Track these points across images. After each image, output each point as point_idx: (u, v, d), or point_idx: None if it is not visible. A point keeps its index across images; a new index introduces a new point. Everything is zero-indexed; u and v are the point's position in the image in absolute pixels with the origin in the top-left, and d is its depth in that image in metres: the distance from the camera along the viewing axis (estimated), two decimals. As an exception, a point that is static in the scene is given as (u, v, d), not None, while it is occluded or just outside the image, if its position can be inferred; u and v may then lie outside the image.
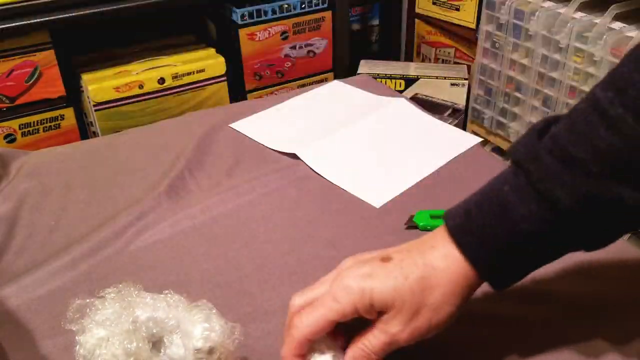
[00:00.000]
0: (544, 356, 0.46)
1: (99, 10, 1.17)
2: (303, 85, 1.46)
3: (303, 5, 1.40)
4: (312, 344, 0.41)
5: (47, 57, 1.18)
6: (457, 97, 1.49)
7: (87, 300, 0.42)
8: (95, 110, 1.23)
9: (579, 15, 1.12)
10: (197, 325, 0.41)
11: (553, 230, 0.38)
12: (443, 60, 1.65)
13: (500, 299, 0.52)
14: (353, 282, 0.40)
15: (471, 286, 0.41)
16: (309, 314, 0.40)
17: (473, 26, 1.49)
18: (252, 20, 1.35)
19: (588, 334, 0.48)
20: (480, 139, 0.79)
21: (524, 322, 0.49)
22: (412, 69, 1.53)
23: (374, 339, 0.40)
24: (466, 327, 0.49)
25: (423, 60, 1.71)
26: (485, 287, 0.53)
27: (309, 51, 1.46)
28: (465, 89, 1.48)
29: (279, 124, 0.84)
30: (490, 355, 0.47)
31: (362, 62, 1.57)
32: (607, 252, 0.56)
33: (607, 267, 0.55)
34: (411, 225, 0.62)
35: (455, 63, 1.62)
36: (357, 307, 0.39)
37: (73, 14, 1.15)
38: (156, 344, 0.43)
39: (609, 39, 1.03)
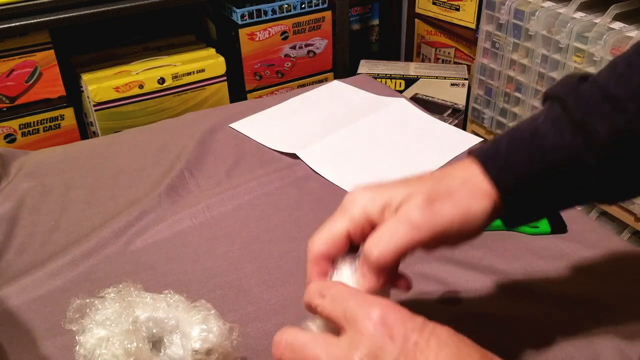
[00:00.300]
0: (544, 355, 0.46)
1: (99, 10, 1.17)
2: (303, 85, 1.46)
3: (303, 5, 1.40)
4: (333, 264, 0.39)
5: (47, 57, 1.18)
6: (457, 97, 1.49)
7: (87, 300, 0.42)
8: (95, 110, 1.23)
9: (579, 15, 1.12)
10: (195, 327, 0.41)
11: (582, 167, 0.36)
12: (443, 60, 1.65)
13: (500, 298, 0.52)
14: (360, 190, 0.38)
15: (491, 207, 0.37)
16: (317, 232, 0.39)
17: (473, 26, 1.49)
18: (252, 20, 1.36)
19: (587, 332, 0.48)
20: (481, 139, 0.79)
21: (524, 321, 0.49)
22: (412, 69, 1.53)
23: (388, 234, 0.35)
24: (464, 327, 0.49)
25: (423, 60, 1.71)
26: (485, 289, 0.53)
27: (309, 51, 1.46)
28: (465, 89, 1.48)
29: (279, 124, 0.84)
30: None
31: (362, 62, 1.57)
32: (606, 250, 0.56)
33: (606, 265, 0.55)
34: None
35: (455, 63, 1.62)
36: (367, 209, 0.37)
37: (73, 14, 1.15)
38: (156, 343, 0.43)
39: (609, 39, 1.03)
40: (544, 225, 0.59)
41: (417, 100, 1.48)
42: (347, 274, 0.38)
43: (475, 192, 0.37)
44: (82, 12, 1.16)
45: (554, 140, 0.36)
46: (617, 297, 0.51)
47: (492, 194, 0.37)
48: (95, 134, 1.29)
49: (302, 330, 0.36)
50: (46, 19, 1.13)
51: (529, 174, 0.37)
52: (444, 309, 0.51)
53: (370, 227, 0.37)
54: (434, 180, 0.38)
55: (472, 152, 0.39)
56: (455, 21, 1.54)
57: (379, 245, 0.35)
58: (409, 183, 0.38)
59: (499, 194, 0.37)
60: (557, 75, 1.17)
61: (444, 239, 0.37)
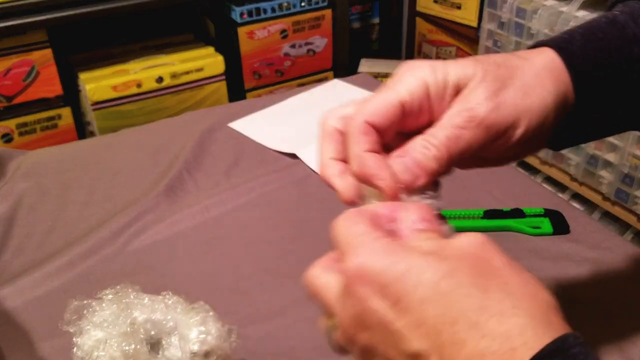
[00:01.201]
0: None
1: (96, 8, 1.16)
2: (303, 84, 1.46)
3: (303, 4, 1.40)
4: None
5: (44, 56, 1.18)
6: (457, 96, 1.49)
7: (85, 302, 0.42)
8: (93, 110, 1.23)
9: (581, 13, 1.11)
10: (193, 329, 0.41)
11: None
12: (444, 59, 1.65)
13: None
14: (417, 61, 0.32)
15: (563, 96, 0.33)
16: (362, 103, 0.33)
17: (475, 25, 1.48)
18: (251, 19, 1.35)
19: (588, 332, 0.47)
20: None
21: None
22: (412, 67, 1.53)
23: (446, 125, 0.31)
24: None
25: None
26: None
27: (308, 50, 1.46)
28: (465, 88, 1.47)
29: (279, 123, 0.84)
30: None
31: (363, 60, 1.57)
32: (608, 251, 0.56)
33: (608, 266, 0.55)
34: None
35: (455, 62, 1.61)
36: (428, 82, 0.31)
37: (70, 13, 1.14)
38: (154, 345, 0.43)
39: (610, 37, 1.03)
40: (546, 225, 0.58)
41: (417, 99, 1.47)
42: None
43: (545, 76, 0.32)
44: (79, 11, 1.15)
45: (635, 30, 0.33)
46: (618, 297, 0.51)
47: (566, 80, 0.32)
48: (92, 134, 1.28)
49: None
50: (43, 17, 1.12)
51: (607, 62, 0.33)
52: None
53: (427, 104, 0.31)
54: (500, 60, 0.32)
55: (541, 41, 0.34)
56: (456, 19, 1.53)
57: (435, 153, 0.30)
58: (472, 59, 0.32)
59: (572, 81, 0.33)
60: (558, 74, 1.16)
61: (514, 132, 0.31)
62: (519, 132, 0.32)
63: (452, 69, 0.32)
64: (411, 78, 0.31)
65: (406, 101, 0.31)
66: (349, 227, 0.29)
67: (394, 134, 0.32)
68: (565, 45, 0.33)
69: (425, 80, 0.31)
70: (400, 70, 0.32)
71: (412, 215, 0.29)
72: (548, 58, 0.33)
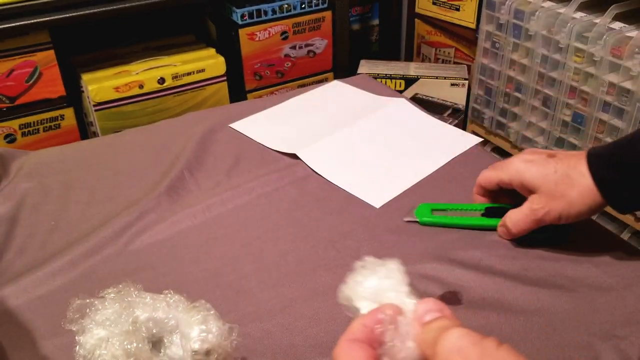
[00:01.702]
0: (545, 355, 0.46)
1: (99, 10, 1.17)
2: (303, 85, 1.46)
3: (303, 5, 1.40)
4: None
5: (47, 57, 1.18)
6: (457, 97, 1.49)
7: (87, 301, 0.42)
8: (95, 110, 1.23)
9: (579, 15, 1.12)
10: (195, 327, 0.41)
11: None
12: (443, 60, 1.65)
13: (500, 298, 0.52)
14: (517, 160, 0.55)
15: (597, 205, 0.50)
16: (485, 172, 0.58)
17: (473, 26, 1.49)
18: (252, 20, 1.35)
19: (588, 332, 0.48)
20: (480, 139, 0.79)
21: (524, 322, 0.49)
22: (412, 69, 1.53)
23: (518, 213, 0.54)
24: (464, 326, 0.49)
25: (423, 60, 1.71)
26: (485, 289, 0.53)
27: (309, 51, 1.46)
28: (465, 89, 1.48)
29: (279, 124, 0.84)
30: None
31: (362, 62, 1.57)
32: (607, 250, 0.56)
33: (607, 265, 0.55)
34: (411, 219, 0.62)
35: (455, 63, 1.62)
36: (512, 180, 0.55)
37: (73, 14, 1.15)
38: (156, 344, 0.43)
39: (609, 39, 1.03)
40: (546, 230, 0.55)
41: (417, 100, 1.48)
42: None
43: (586, 195, 0.50)
44: (82, 12, 1.15)
45: None
46: (617, 297, 0.51)
47: (596, 196, 0.50)
48: (95, 134, 1.29)
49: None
50: (46, 18, 1.13)
51: (625, 171, 0.49)
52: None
53: (511, 186, 0.55)
54: (560, 179, 0.51)
55: (588, 150, 0.52)
56: (455, 21, 1.53)
57: (513, 225, 0.56)
58: (543, 173, 0.52)
59: (600, 195, 0.50)
60: (557, 75, 1.17)
61: (558, 222, 0.53)
62: (560, 221, 0.53)
63: (529, 178, 0.53)
64: (506, 171, 0.56)
65: (499, 182, 0.57)
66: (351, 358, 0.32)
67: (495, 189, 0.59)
68: (595, 159, 0.51)
69: (511, 178, 0.55)
70: (509, 161, 0.56)
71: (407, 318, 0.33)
72: (586, 183, 0.51)
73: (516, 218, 0.55)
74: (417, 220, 0.61)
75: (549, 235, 0.56)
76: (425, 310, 0.32)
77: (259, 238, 0.62)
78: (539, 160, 0.53)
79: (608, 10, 1.06)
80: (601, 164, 0.50)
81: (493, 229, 0.59)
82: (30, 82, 1.19)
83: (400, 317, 0.33)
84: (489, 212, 0.60)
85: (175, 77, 1.28)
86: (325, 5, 1.43)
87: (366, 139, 0.79)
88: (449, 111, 1.50)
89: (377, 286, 0.36)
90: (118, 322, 0.41)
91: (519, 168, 0.54)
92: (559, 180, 0.51)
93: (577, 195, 0.50)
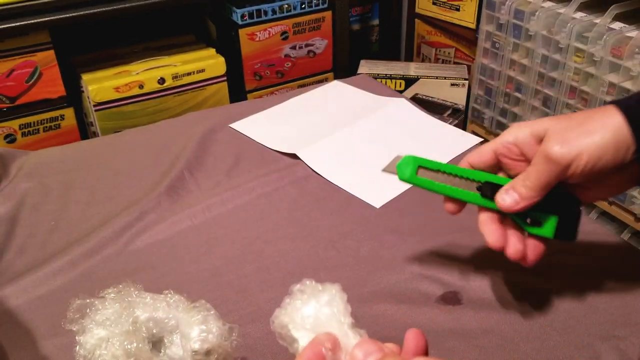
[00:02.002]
0: (545, 355, 0.46)
1: (99, 10, 1.16)
2: (303, 86, 1.46)
3: (303, 6, 1.40)
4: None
5: (47, 57, 1.18)
6: (457, 97, 1.49)
7: (87, 301, 0.42)
8: (96, 111, 1.23)
9: (579, 15, 1.12)
10: (195, 327, 0.41)
11: None
12: (443, 60, 1.65)
13: (501, 298, 0.52)
14: (514, 124, 0.47)
15: (626, 148, 0.41)
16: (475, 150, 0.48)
17: (473, 26, 1.49)
18: (252, 20, 1.35)
19: (588, 332, 0.48)
20: (481, 139, 0.79)
21: (524, 322, 0.49)
22: (412, 69, 1.53)
23: (531, 167, 0.43)
24: (464, 326, 0.49)
25: (423, 60, 1.71)
26: (485, 289, 0.53)
27: (309, 51, 1.46)
28: (465, 89, 1.48)
29: (279, 124, 0.84)
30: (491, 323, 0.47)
31: (362, 62, 1.57)
32: (607, 250, 0.56)
33: (607, 265, 0.55)
34: (390, 172, 0.49)
35: (455, 63, 1.62)
36: (516, 137, 0.45)
37: (73, 14, 1.15)
38: (156, 344, 0.43)
39: (609, 39, 1.03)
40: (548, 225, 0.46)
41: (417, 100, 1.48)
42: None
43: (609, 124, 0.41)
44: (82, 12, 1.15)
45: None
46: (617, 297, 0.51)
47: (626, 131, 0.41)
48: (95, 134, 1.29)
49: None
50: (46, 19, 1.13)
51: None
52: (444, 309, 0.51)
53: (518, 150, 0.45)
54: (574, 115, 0.43)
55: (613, 101, 0.43)
56: (455, 21, 1.53)
57: (526, 184, 0.44)
58: (553, 119, 0.44)
59: (633, 138, 0.41)
60: (557, 75, 1.17)
61: (577, 165, 0.41)
62: (582, 163, 0.41)
63: (537, 124, 0.44)
64: (508, 133, 0.46)
65: (498, 148, 0.46)
66: None
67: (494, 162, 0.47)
68: (630, 108, 0.42)
69: (514, 134, 0.45)
70: (506, 130, 0.46)
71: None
72: (613, 114, 0.42)
73: (528, 174, 0.43)
74: (396, 174, 0.48)
75: (549, 234, 0.46)
76: (366, 353, 0.31)
77: (259, 238, 0.62)
78: (540, 119, 0.45)
79: (608, 11, 1.06)
80: (631, 102, 0.42)
81: (486, 208, 0.47)
82: (31, 82, 1.19)
83: (340, 354, 0.31)
84: (486, 188, 0.46)
85: (175, 77, 1.28)
86: (325, 6, 1.43)
87: (366, 139, 0.79)
88: (449, 111, 1.50)
89: (317, 315, 0.34)
90: (118, 322, 0.41)
91: (521, 124, 0.45)
92: (580, 118, 0.42)
93: (598, 123, 0.41)
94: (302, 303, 0.34)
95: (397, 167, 0.48)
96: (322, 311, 0.34)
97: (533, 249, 0.46)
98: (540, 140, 0.43)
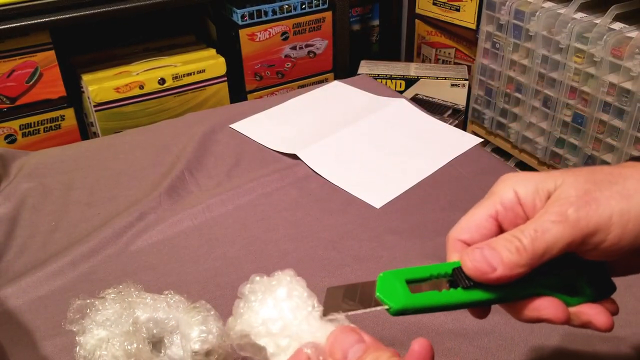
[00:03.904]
0: (545, 356, 0.46)
1: (99, 10, 1.17)
2: (303, 86, 1.46)
3: (303, 6, 1.40)
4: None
5: (47, 58, 1.18)
6: (457, 97, 1.49)
7: (88, 301, 0.42)
8: (96, 111, 1.24)
9: (579, 15, 1.12)
10: (195, 328, 0.41)
11: None
12: (443, 60, 1.65)
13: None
14: (512, 174, 0.34)
15: None
16: (460, 220, 0.34)
17: (473, 27, 1.49)
18: (252, 21, 1.36)
19: (588, 332, 0.48)
20: (481, 140, 0.79)
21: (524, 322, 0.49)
22: (412, 69, 1.53)
23: (532, 224, 0.30)
24: (464, 327, 0.49)
25: (423, 61, 1.71)
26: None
27: (309, 52, 1.46)
28: (465, 90, 1.48)
29: (279, 124, 0.84)
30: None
31: (363, 62, 1.57)
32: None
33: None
34: (361, 311, 0.31)
35: (455, 63, 1.62)
36: (518, 191, 0.32)
37: (73, 15, 1.15)
38: (157, 344, 0.43)
39: (609, 39, 1.03)
40: (582, 287, 0.33)
41: (417, 100, 1.48)
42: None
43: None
44: (82, 13, 1.16)
45: None
46: (617, 298, 0.51)
47: None
48: (95, 135, 1.29)
49: None
50: (47, 19, 1.13)
51: None
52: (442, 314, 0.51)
53: (521, 210, 0.32)
54: (597, 168, 0.32)
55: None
56: (455, 22, 1.54)
57: (516, 245, 0.30)
58: (565, 169, 0.33)
59: None
60: (557, 75, 1.17)
61: (603, 237, 0.29)
62: (613, 235, 0.29)
63: (543, 178, 0.32)
64: (504, 189, 0.33)
65: (498, 212, 0.32)
66: None
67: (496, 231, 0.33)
68: None
69: (515, 189, 0.32)
70: (497, 182, 0.34)
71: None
72: None
73: (524, 232, 0.30)
74: (387, 307, 0.31)
75: (589, 297, 0.33)
76: (347, 345, 0.27)
77: (259, 238, 0.62)
78: (543, 172, 0.33)
79: (608, 11, 1.06)
80: None
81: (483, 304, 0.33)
82: (31, 82, 1.19)
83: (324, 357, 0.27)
84: (457, 277, 0.32)
85: (175, 77, 1.28)
86: (326, 6, 1.43)
87: (366, 140, 0.79)
88: (449, 112, 1.51)
89: (280, 314, 0.29)
90: (118, 322, 0.41)
91: (517, 176, 0.33)
92: (599, 168, 0.31)
93: (637, 183, 0.30)
94: (258, 304, 0.30)
95: (382, 294, 0.31)
96: (283, 308, 0.29)
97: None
98: (548, 195, 0.31)
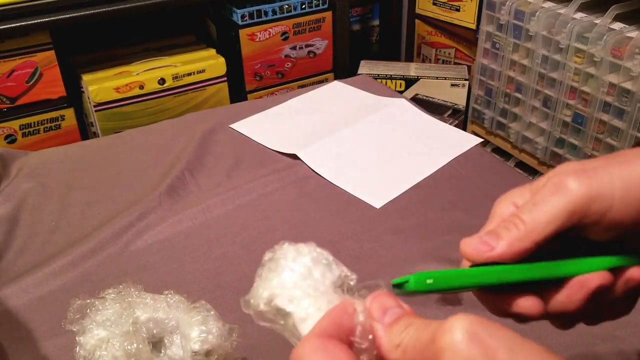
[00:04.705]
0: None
1: (99, 10, 1.17)
2: (303, 86, 1.46)
3: (303, 6, 1.40)
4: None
5: (47, 58, 1.18)
6: (457, 97, 1.49)
7: (88, 301, 0.42)
8: (96, 111, 1.23)
9: (579, 15, 1.12)
10: (195, 328, 0.41)
11: None
12: (443, 60, 1.65)
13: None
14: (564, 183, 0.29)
15: None
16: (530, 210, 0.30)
17: (473, 27, 1.49)
18: (252, 21, 1.35)
19: (588, 333, 0.48)
20: (481, 140, 0.79)
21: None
22: (412, 69, 1.53)
23: (530, 200, 0.29)
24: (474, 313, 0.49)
25: (423, 61, 1.71)
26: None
27: (309, 52, 1.46)
28: (465, 90, 1.48)
29: (279, 124, 0.84)
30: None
31: (363, 62, 1.57)
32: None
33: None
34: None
35: (455, 63, 1.62)
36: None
37: (73, 15, 1.15)
38: (157, 344, 0.43)
39: (609, 39, 1.03)
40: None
41: (417, 100, 1.48)
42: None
43: None
44: (82, 13, 1.16)
45: None
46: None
47: None
48: (95, 135, 1.29)
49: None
50: (47, 19, 1.13)
51: None
52: (444, 309, 0.51)
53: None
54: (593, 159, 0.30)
55: None
56: (455, 22, 1.54)
57: (532, 214, 0.28)
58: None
59: None
60: (557, 75, 1.17)
61: (606, 205, 0.28)
62: (617, 201, 0.28)
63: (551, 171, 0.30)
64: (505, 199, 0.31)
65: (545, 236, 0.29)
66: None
67: None
68: None
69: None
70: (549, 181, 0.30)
71: (370, 313, 0.26)
72: None
73: (522, 210, 0.29)
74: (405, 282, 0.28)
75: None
76: (386, 305, 0.26)
77: (259, 238, 0.62)
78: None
79: (608, 11, 1.06)
80: None
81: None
82: (31, 82, 1.19)
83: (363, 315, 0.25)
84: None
85: (175, 77, 1.28)
86: (326, 6, 1.43)
87: (366, 140, 0.79)
88: (449, 112, 1.50)
89: (310, 280, 0.27)
90: (118, 322, 0.41)
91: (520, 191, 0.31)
92: (592, 160, 0.30)
93: (635, 153, 0.29)
94: (287, 269, 0.28)
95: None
96: (313, 273, 0.27)
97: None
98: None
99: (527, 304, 0.29)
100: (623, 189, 0.28)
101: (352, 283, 0.27)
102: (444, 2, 1.54)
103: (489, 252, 0.28)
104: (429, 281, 0.27)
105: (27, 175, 0.73)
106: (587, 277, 0.29)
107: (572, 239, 0.30)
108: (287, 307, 0.27)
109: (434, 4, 1.57)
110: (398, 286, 0.29)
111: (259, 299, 0.28)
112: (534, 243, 0.28)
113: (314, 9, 1.42)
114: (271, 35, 1.39)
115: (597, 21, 1.07)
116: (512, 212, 0.29)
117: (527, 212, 0.28)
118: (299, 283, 0.27)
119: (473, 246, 0.29)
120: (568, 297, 0.29)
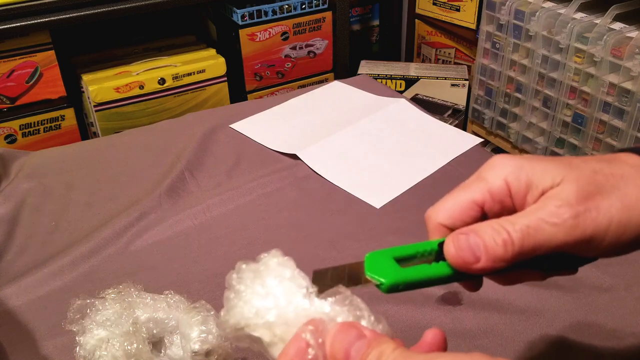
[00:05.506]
0: (545, 356, 0.46)
1: (99, 10, 1.17)
2: (303, 86, 1.46)
3: (303, 6, 1.40)
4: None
5: (47, 58, 1.18)
6: (457, 97, 1.49)
7: (88, 301, 0.42)
8: (96, 111, 1.24)
9: (579, 15, 1.12)
10: (195, 328, 0.41)
11: None
12: (443, 60, 1.65)
13: (501, 299, 0.52)
14: (504, 157, 0.31)
15: None
16: (442, 200, 0.32)
17: (473, 27, 1.49)
18: (252, 21, 1.36)
19: (588, 333, 0.48)
20: (481, 140, 0.79)
21: (525, 322, 0.49)
22: (412, 69, 1.53)
23: (525, 218, 0.28)
24: (464, 327, 0.49)
25: (423, 61, 1.72)
26: (485, 290, 0.53)
27: (309, 52, 1.46)
28: (465, 90, 1.48)
29: (279, 124, 0.84)
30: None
31: (363, 62, 1.57)
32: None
33: (607, 265, 0.55)
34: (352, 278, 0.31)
35: (455, 63, 1.62)
36: (509, 182, 0.30)
37: (74, 15, 1.15)
38: (157, 344, 0.43)
39: (609, 39, 1.03)
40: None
41: (417, 100, 1.48)
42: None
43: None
44: (82, 13, 1.16)
45: None
46: (617, 298, 0.51)
47: None
48: (95, 135, 1.29)
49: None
50: (47, 19, 1.13)
51: None
52: (444, 309, 0.51)
53: (509, 201, 0.30)
54: (598, 167, 0.29)
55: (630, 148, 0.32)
56: (455, 22, 1.54)
57: (504, 237, 0.28)
58: (563, 162, 0.30)
59: None
60: (557, 75, 1.17)
61: (597, 244, 0.28)
62: (606, 244, 0.28)
63: (539, 171, 0.30)
64: (494, 176, 0.31)
65: (485, 201, 0.30)
66: None
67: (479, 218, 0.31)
68: None
69: (507, 179, 0.30)
70: (486, 167, 0.31)
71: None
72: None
73: (525, 222, 0.28)
74: (378, 284, 0.30)
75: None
76: (348, 343, 0.25)
77: (259, 238, 0.62)
78: (539, 158, 0.31)
79: (608, 11, 1.06)
80: None
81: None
82: (31, 82, 1.19)
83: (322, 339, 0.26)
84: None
85: (175, 77, 1.28)
86: (326, 6, 1.43)
87: (366, 140, 0.79)
88: (450, 112, 1.51)
89: (272, 301, 0.27)
90: (118, 322, 0.41)
91: (520, 163, 0.30)
92: (599, 168, 0.29)
93: (634, 185, 0.29)
94: (249, 294, 0.28)
95: (371, 272, 0.30)
96: (275, 294, 0.27)
97: None
98: (543, 192, 0.29)
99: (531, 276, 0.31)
100: (616, 237, 0.28)
101: (313, 295, 0.28)
102: (444, 2, 1.54)
103: (474, 264, 0.28)
104: (400, 287, 0.29)
105: (27, 175, 0.73)
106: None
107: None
108: (255, 333, 0.27)
109: (434, 4, 1.57)
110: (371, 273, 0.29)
111: (227, 327, 0.28)
112: (514, 263, 0.28)
113: (314, 9, 1.42)
114: (271, 35, 1.39)
115: (597, 21, 1.07)
116: (503, 221, 0.29)
117: (520, 234, 0.28)
118: (264, 306, 0.27)
119: (460, 252, 0.29)
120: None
